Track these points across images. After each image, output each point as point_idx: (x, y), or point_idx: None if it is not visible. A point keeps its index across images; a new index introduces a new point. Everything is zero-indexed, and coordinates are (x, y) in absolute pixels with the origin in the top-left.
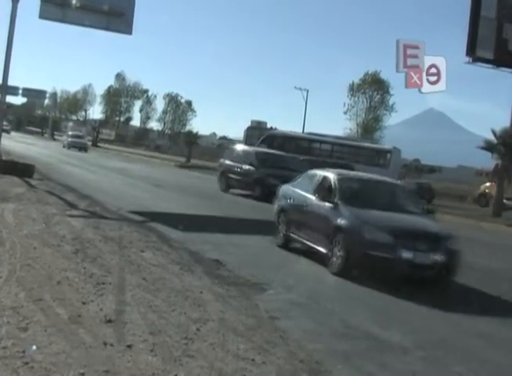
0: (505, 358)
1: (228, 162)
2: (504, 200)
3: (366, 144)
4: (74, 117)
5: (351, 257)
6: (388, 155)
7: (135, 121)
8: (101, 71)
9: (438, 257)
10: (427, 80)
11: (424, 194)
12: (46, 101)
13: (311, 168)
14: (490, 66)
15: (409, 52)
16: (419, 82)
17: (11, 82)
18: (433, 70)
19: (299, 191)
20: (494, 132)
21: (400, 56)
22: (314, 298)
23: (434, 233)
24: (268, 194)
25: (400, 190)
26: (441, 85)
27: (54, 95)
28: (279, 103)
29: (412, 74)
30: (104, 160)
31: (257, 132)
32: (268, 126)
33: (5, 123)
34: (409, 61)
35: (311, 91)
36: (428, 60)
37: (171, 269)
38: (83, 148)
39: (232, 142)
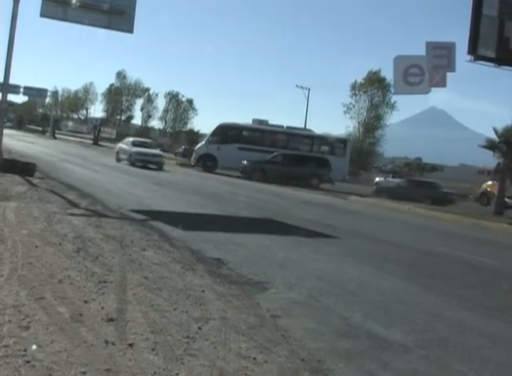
0: (507, 357)
1: None
2: (506, 199)
3: (322, 134)
4: (76, 116)
5: None
6: (344, 145)
7: (137, 120)
8: (102, 70)
9: None
10: (408, 81)
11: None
12: (47, 99)
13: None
14: (492, 64)
15: (436, 52)
16: (442, 82)
17: (12, 81)
18: (414, 71)
19: None
20: (496, 131)
21: (429, 58)
22: (315, 296)
23: None
24: None
25: None
26: (425, 86)
27: (55, 93)
28: (281, 102)
29: (435, 75)
30: (105, 158)
31: None
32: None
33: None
34: (435, 61)
35: (314, 90)
36: (408, 60)
37: (172, 268)
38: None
39: None
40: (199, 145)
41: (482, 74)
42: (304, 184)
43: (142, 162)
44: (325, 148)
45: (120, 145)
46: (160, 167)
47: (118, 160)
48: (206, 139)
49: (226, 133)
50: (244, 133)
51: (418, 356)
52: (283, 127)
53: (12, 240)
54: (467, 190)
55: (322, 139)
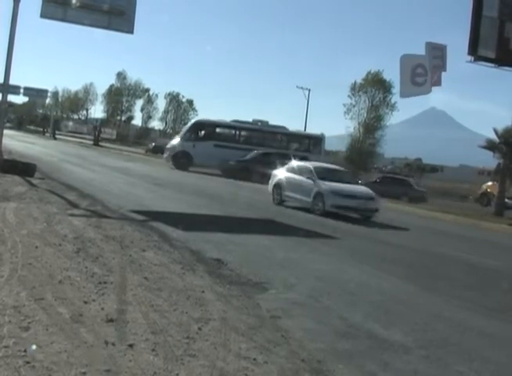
0: (507, 357)
1: None
2: (506, 200)
3: (298, 131)
4: (76, 117)
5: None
6: (319, 142)
7: (137, 121)
8: (102, 70)
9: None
10: (415, 81)
11: None
12: (48, 100)
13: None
14: (492, 65)
15: (435, 53)
16: (439, 81)
17: (12, 81)
18: (420, 71)
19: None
20: (496, 131)
21: (430, 58)
22: (315, 296)
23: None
24: None
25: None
26: (428, 86)
27: (55, 94)
28: (282, 102)
29: (434, 74)
30: (105, 159)
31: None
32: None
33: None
34: (435, 61)
35: (315, 90)
36: (414, 59)
37: (172, 269)
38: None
39: None
40: (172, 142)
41: (482, 75)
42: None
43: (346, 209)
44: (301, 145)
45: (285, 174)
46: (371, 216)
47: (280, 200)
48: (180, 135)
49: (202, 130)
50: (220, 130)
51: (418, 356)
52: (257, 124)
53: (12, 241)
54: (467, 191)
55: (298, 136)
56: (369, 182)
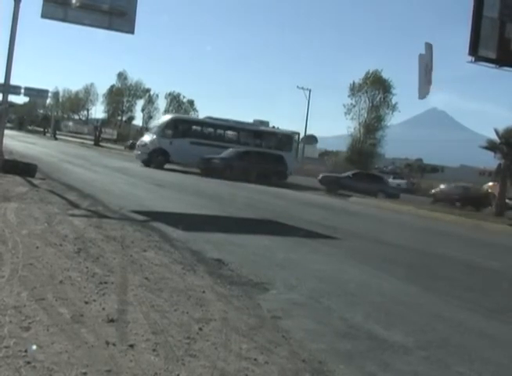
0: (507, 358)
1: None
2: (506, 200)
3: (270, 129)
4: (76, 117)
5: None
6: (291, 139)
7: (138, 121)
8: (103, 70)
9: None
10: (428, 80)
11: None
12: (48, 100)
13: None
14: (493, 65)
15: (431, 53)
16: (431, 80)
17: (13, 81)
18: (428, 70)
19: None
20: (497, 132)
21: (430, 58)
22: (316, 297)
23: None
24: None
25: None
26: (428, 87)
27: (56, 94)
28: (283, 103)
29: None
30: (106, 159)
31: None
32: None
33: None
34: (432, 62)
35: (316, 90)
36: (425, 59)
37: (173, 269)
38: None
39: None
40: (144, 139)
41: (483, 75)
42: (267, 181)
43: None
44: (273, 143)
45: None
46: None
47: None
48: (156, 132)
49: (179, 127)
50: (196, 127)
51: (418, 357)
52: (230, 121)
53: (12, 241)
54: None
55: (271, 134)
56: (342, 177)
